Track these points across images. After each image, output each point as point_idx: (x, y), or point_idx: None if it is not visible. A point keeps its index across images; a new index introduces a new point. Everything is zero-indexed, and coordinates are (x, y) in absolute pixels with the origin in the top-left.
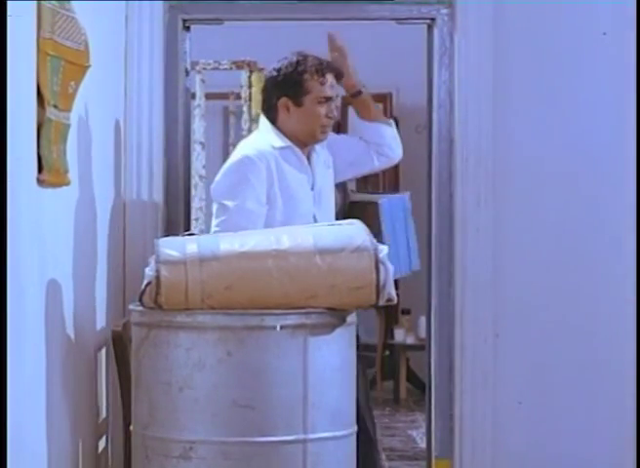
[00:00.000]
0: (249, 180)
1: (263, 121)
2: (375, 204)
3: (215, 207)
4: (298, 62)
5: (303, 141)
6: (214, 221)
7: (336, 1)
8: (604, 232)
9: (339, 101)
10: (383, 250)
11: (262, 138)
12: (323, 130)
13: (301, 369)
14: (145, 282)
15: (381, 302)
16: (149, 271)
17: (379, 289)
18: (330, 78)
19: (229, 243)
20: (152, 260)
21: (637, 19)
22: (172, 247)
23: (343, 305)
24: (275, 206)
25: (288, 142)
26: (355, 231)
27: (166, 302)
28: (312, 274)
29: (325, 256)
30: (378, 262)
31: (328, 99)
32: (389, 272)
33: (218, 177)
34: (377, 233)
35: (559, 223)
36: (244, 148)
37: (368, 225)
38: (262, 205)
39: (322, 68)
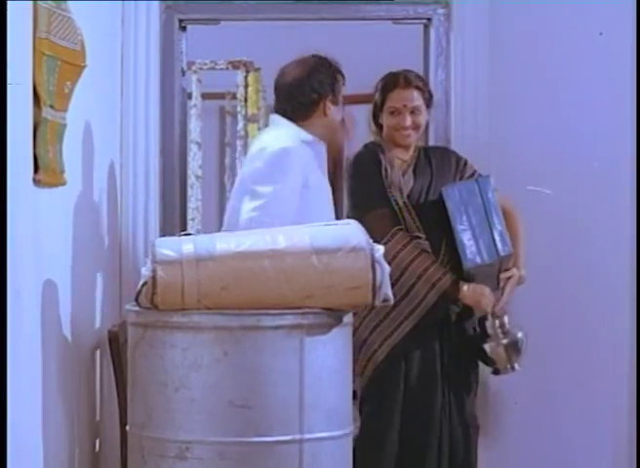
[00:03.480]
0: (288, 170)
1: (279, 119)
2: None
3: (246, 195)
4: (329, 62)
5: (330, 144)
6: (247, 206)
7: (332, 1)
8: (603, 230)
9: None
10: (379, 249)
11: (291, 132)
12: (341, 132)
13: (298, 369)
14: (142, 282)
15: (378, 303)
16: (145, 271)
17: (375, 289)
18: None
19: (226, 243)
20: (149, 260)
21: (633, 19)
22: (168, 247)
23: (340, 305)
24: (307, 198)
25: (315, 137)
26: (351, 231)
27: (162, 302)
28: (309, 274)
29: (321, 257)
30: (374, 262)
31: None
32: (385, 272)
33: (254, 165)
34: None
35: (557, 222)
36: (278, 140)
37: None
38: (297, 195)
39: (340, 68)
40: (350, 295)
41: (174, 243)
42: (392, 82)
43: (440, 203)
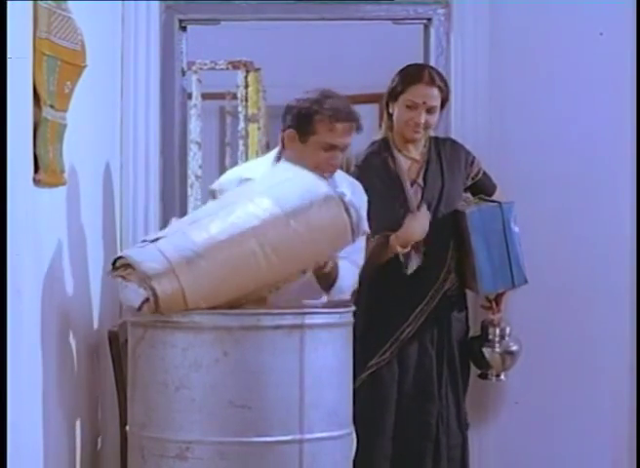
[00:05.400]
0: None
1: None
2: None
3: None
4: (316, 101)
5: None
6: None
7: (332, 1)
8: (603, 230)
9: (346, 151)
10: (340, 187)
11: (250, 165)
12: (321, 174)
13: (298, 369)
14: (141, 300)
15: (358, 236)
16: (141, 289)
17: (354, 229)
18: (341, 127)
19: (200, 233)
20: (133, 281)
21: (633, 19)
22: (150, 258)
23: (327, 256)
24: None
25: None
26: (311, 182)
27: (167, 312)
28: (294, 241)
29: (298, 219)
30: (346, 206)
31: (332, 147)
32: (356, 207)
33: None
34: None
35: (556, 222)
36: (229, 172)
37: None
38: None
39: (336, 115)
40: (334, 243)
41: (150, 252)
42: (417, 75)
43: (455, 214)
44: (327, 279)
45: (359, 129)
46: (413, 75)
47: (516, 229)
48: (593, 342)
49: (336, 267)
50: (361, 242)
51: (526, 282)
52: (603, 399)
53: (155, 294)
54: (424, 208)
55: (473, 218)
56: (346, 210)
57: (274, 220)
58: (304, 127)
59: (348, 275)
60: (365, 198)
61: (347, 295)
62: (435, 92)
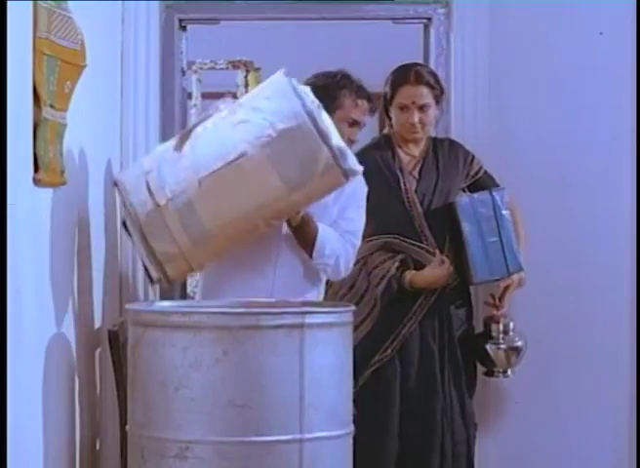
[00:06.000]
0: None
1: None
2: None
3: None
4: (341, 77)
5: None
6: None
7: (332, 1)
8: (603, 229)
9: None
10: (333, 137)
11: None
12: None
13: (298, 368)
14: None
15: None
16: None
17: (346, 175)
18: (364, 104)
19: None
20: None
21: (633, 19)
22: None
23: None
24: None
25: None
26: (305, 131)
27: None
28: (293, 207)
29: (300, 192)
30: (346, 173)
31: (355, 123)
32: (345, 151)
33: None
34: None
35: (556, 221)
36: None
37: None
38: None
39: (361, 92)
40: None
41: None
42: (402, 77)
43: (449, 206)
44: (304, 235)
45: (374, 111)
46: (399, 77)
47: (507, 215)
48: (594, 343)
49: (311, 222)
50: (359, 223)
51: (521, 269)
52: (604, 398)
53: (166, 275)
54: (448, 262)
55: (464, 206)
56: (345, 175)
57: (272, 190)
58: (330, 101)
59: (332, 241)
60: (365, 188)
61: (335, 269)
62: (424, 90)
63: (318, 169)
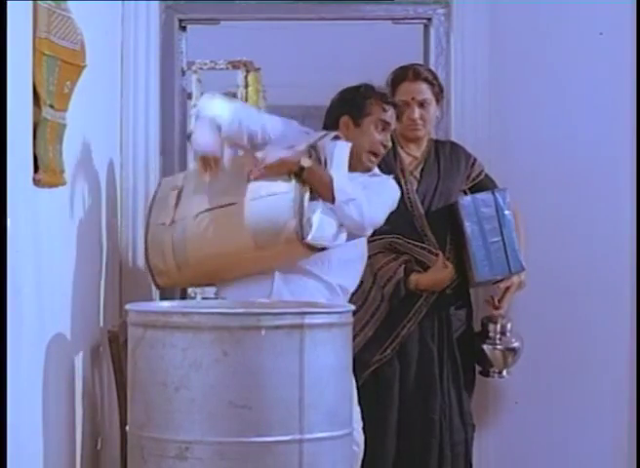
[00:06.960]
0: None
1: None
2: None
3: None
4: (364, 88)
5: (352, 166)
6: None
7: (332, 1)
8: (603, 229)
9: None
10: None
11: None
12: (371, 157)
13: (298, 369)
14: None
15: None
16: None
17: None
18: (390, 109)
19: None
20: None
21: (633, 19)
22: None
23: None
24: None
25: None
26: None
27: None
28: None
29: (266, 251)
30: (309, 246)
31: (386, 126)
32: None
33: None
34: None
35: (556, 221)
36: None
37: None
38: None
39: (386, 99)
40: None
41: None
42: (401, 75)
43: (451, 206)
44: (318, 179)
45: (399, 118)
46: (398, 76)
47: (510, 215)
48: (594, 343)
49: (318, 168)
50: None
51: (523, 269)
52: (604, 398)
53: (156, 283)
54: (451, 266)
55: (466, 205)
56: (306, 246)
57: (245, 248)
58: (358, 110)
59: (350, 185)
60: (397, 194)
61: (359, 211)
62: (422, 86)
63: (281, 238)
